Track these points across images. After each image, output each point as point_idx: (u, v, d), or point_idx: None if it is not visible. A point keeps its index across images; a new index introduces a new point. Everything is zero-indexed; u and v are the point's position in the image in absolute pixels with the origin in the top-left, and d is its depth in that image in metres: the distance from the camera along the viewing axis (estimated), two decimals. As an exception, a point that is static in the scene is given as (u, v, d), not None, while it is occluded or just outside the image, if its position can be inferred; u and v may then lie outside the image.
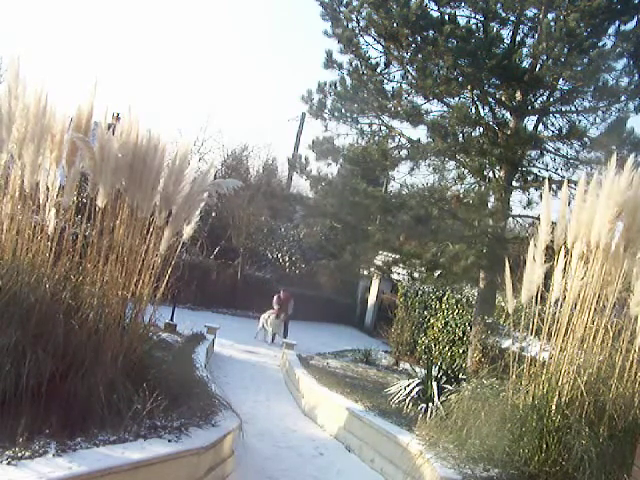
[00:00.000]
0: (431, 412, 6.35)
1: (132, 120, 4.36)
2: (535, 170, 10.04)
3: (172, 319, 10.49)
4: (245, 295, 18.29)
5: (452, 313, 13.26)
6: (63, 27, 46.14)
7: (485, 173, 9.94)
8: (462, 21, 9.13)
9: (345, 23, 9.79)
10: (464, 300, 12.93)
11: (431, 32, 8.77)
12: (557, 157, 9.79)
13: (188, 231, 4.75)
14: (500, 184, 9.47)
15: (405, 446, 5.10)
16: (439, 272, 9.97)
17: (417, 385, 7.14)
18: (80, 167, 4.40)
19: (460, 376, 7.18)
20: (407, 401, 6.97)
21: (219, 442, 4.30)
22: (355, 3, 9.67)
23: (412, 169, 10.31)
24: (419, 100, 9.94)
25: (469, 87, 9.46)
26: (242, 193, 17.95)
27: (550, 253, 4.80)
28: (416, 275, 10.94)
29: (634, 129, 8.56)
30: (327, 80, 10.27)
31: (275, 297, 14.69)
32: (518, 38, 9.47)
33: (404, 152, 10.31)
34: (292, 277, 20.13)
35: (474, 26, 9.21)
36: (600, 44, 8.48)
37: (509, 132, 9.38)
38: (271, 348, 13.17)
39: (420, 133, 36.04)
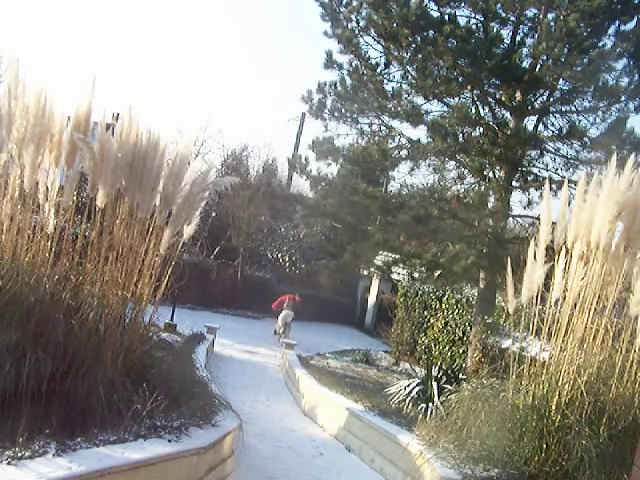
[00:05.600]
0: (431, 412, 6.35)
1: (132, 120, 4.36)
2: (535, 170, 10.04)
3: (172, 319, 10.49)
4: (245, 295, 18.29)
5: (452, 313, 13.25)
6: (63, 26, 46.17)
7: (485, 173, 9.93)
8: (462, 21, 9.12)
9: (345, 23, 9.78)
10: (464, 300, 12.92)
11: (431, 32, 8.76)
12: (557, 157, 9.78)
13: (188, 231, 4.76)
14: (500, 184, 9.46)
15: (405, 446, 5.10)
16: (439, 272, 9.96)
17: (417, 385, 7.14)
18: (80, 167, 4.41)
19: (460, 376, 7.18)
20: (407, 401, 6.97)
21: (219, 442, 4.30)
22: (355, 3, 9.66)
23: (412, 169, 10.30)
24: (419, 100, 9.93)
25: (469, 87, 9.46)
26: (242, 193, 17.96)
27: (550, 253, 4.80)
28: (416, 275, 10.94)
29: (634, 129, 8.56)
30: (327, 80, 10.27)
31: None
32: (518, 38, 9.46)
33: (404, 152, 10.30)
34: (292, 277, 20.13)
35: (474, 26, 9.19)
36: (600, 44, 8.46)
37: (509, 132, 9.37)
38: (271, 348, 13.18)
39: (420, 133, 35.96)
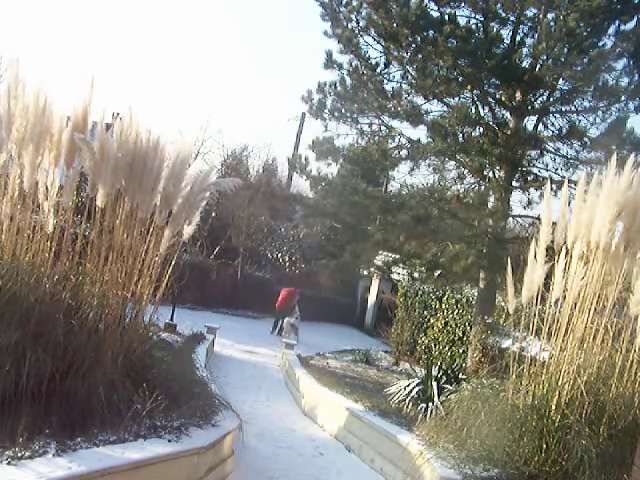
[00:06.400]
0: (431, 412, 6.35)
1: (132, 120, 4.36)
2: (535, 170, 10.03)
3: (172, 319, 10.48)
4: (245, 295, 18.29)
5: (452, 313, 13.25)
6: (63, 26, 46.16)
7: (485, 173, 9.93)
8: (462, 21, 9.11)
9: (345, 23, 9.77)
10: (464, 300, 12.92)
11: (431, 32, 8.75)
12: (557, 157, 9.77)
13: (188, 231, 4.75)
14: (500, 184, 9.46)
15: (405, 446, 5.09)
16: (439, 272, 9.96)
17: (417, 385, 7.14)
18: (80, 167, 4.41)
19: (460, 376, 7.18)
20: (407, 401, 6.97)
21: (219, 442, 4.30)
22: (355, 3, 9.65)
23: (412, 169, 10.30)
24: (419, 100, 9.92)
25: (469, 87, 9.45)
26: (242, 193, 17.95)
27: (550, 253, 4.80)
28: (416, 275, 10.94)
29: (634, 129, 8.55)
30: (327, 80, 10.26)
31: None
32: (518, 38, 9.44)
33: (404, 152, 10.30)
34: (292, 277, 20.13)
35: (474, 26, 9.18)
36: (600, 44, 8.45)
37: (509, 132, 9.36)
38: (271, 348, 13.18)
39: (420, 133, 35.93)
